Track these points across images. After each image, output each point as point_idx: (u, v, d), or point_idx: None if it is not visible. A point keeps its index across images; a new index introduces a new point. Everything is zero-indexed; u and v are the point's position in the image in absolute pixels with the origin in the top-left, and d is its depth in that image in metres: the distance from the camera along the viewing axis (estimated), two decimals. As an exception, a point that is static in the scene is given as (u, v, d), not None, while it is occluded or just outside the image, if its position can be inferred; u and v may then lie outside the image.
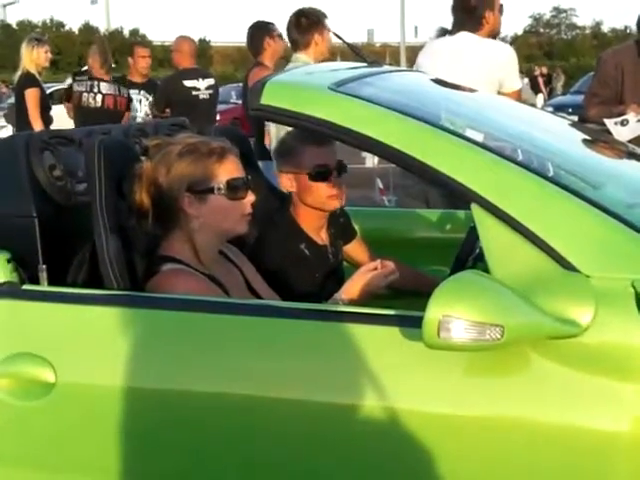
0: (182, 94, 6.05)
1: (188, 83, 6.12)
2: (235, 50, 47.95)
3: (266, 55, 5.05)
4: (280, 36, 5.00)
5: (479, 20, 3.82)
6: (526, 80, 17.81)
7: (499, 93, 3.77)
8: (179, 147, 1.99)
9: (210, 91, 6.20)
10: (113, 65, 6.81)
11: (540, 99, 13.59)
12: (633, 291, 1.55)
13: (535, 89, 15.53)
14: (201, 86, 6.16)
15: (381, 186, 7.63)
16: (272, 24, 5.16)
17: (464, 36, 3.84)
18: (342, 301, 2.01)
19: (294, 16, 4.50)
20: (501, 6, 3.94)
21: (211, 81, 6.26)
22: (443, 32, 3.96)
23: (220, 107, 18.66)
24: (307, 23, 4.44)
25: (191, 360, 1.76)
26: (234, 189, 1.99)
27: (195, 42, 6.58)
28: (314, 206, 2.40)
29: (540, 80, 17.93)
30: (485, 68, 3.68)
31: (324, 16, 4.54)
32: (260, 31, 5.08)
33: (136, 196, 1.97)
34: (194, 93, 6.12)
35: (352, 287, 2.02)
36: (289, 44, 4.65)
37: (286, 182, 2.40)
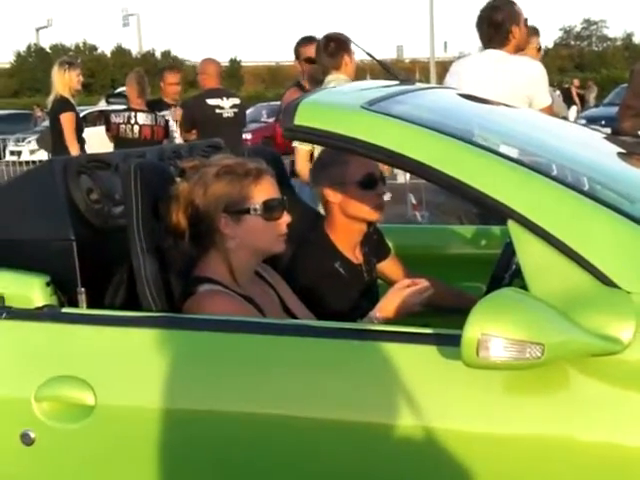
0: (206, 113, 6.11)
1: (211, 102, 6.18)
2: (266, 69, 48.31)
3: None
4: (311, 59, 4.80)
5: (506, 35, 3.82)
6: (557, 92, 17.66)
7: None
8: (216, 168, 2.01)
9: (235, 110, 6.24)
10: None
11: (574, 111, 13.48)
12: (675, 306, 1.53)
13: (568, 101, 15.38)
14: (225, 105, 6.21)
15: (414, 202, 7.61)
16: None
17: (491, 53, 3.85)
18: (377, 319, 2.00)
19: (323, 41, 4.56)
20: (525, 20, 3.94)
21: (236, 100, 6.33)
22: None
23: (251, 126, 18.82)
24: (335, 46, 4.50)
25: (229, 381, 1.77)
26: (270, 210, 2.01)
27: (219, 64, 6.63)
28: (359, 217, 2.40)
29: (574, 91, 17.74)
30: (513, 85, 3.68)
31: (349, 40, 4.60)
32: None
33: (173, 217, 1.98)
34: (217, 111, 6.17)
35: (387, 305, 2.02)
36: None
37: (330, 195, 2.39)
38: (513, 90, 3.63)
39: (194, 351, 1.81)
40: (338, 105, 1.93)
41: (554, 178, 1.72)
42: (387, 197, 4.00)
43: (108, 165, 2.20)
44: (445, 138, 1.76)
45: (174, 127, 6.59)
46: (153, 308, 1.89)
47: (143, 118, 6.38)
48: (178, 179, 2.05)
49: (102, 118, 8.38)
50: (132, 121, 6.36)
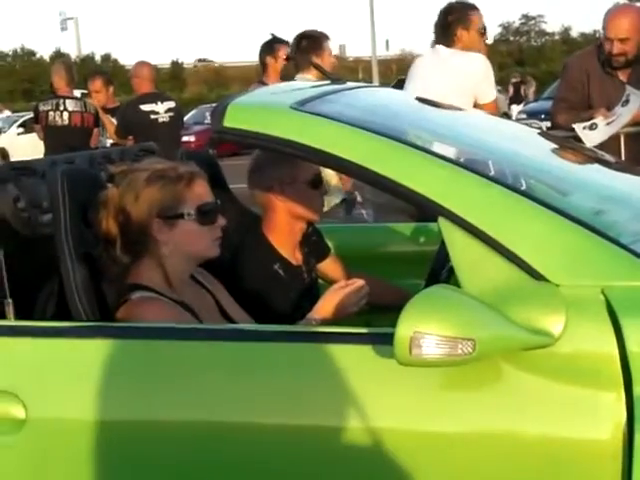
0: (140, 119, 6.07)
1: (146, 107, 6.13)
2: (208, 70, 48.03)
3: (269, 74, 4.99)
4: (287, 57, 4.90)
5: (451, 37, 3.92)
6: (498, 87, 17.93)
7: (476, 105, 3.82)
8: (146, 173, 1.97)
9: (171, 114, 6.19)
10: (85, 91, 6.83)
11: (521, 106, 13.78)
12: (604, 298, 1.54)
13: (518, 96, 15.70)
14: (160, 109, 6.16)
15: (360, 199, 7.60)
16: (280, 43, 5.02)
17: (438, 50, 3.97)
18: (315, 321, 1.98)
19: (295, 38, 4.58)
20: (484, 28, 4.02)
21: (171, 104, 6.27)
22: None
23: (195, 128, 18.59)
24: (307, 44, 4.51)
25: (165, 389, 1.73)
26: (204, 214, 1.98)
27: (153, 66, 6.59)
28: (305, 216, 2.40)
29: (521, 87, 18.03)
30: (458, 80, 3.74)
31: (326, 38, 4.62)
32: (265, 49, 5.05)
33: (102, 224, 1.94)
34: (152, 117, 6.13)
35: (324, 306, 2.01)
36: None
37: (277, 194, 2.35)
38: (457, 84, 3.70)
39: (128, 360, 1.77)
40: (267, 106, 1.91)
41: (483, 174, 1.73)
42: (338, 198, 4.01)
43: (34, 172, 2.14)
44: (375, 137, 1.75)
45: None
46: (84, 318, 1.85)
47: (72, 105, 6.27)
48: (109, 185, 2.01)
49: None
50: (61, 108, 6.23)
